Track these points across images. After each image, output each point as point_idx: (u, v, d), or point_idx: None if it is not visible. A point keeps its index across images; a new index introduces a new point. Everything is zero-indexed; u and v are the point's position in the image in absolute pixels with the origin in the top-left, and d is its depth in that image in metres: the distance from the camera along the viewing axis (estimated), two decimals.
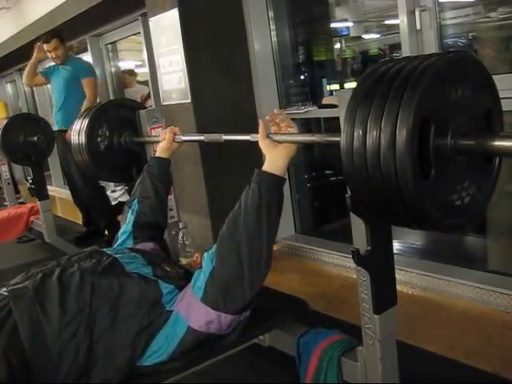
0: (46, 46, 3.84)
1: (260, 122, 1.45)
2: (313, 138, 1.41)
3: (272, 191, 1.33)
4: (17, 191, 5.17)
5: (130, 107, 2.30)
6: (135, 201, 1.84)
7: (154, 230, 1.84)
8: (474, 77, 1.04)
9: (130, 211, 1.83)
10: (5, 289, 1.38)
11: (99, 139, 2.19)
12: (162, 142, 1.92)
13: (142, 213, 1.81)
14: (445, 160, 0.98)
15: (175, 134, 1.91)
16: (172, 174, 1.96)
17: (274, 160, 1.38)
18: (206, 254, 1.40)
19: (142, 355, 1.35)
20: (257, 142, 1.44)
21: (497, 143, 0.95)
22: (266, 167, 1.37)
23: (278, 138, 1.40)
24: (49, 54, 3.85)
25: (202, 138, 1.81)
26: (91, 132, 2.15)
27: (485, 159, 1.10)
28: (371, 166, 0.95)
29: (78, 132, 2.19)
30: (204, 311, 1.35)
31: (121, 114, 2.27)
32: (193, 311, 1.36)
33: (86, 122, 2.16)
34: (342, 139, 1.00)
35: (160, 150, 1.92)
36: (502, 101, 1.11)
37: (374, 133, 0.93)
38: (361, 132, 0.96)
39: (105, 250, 1.62)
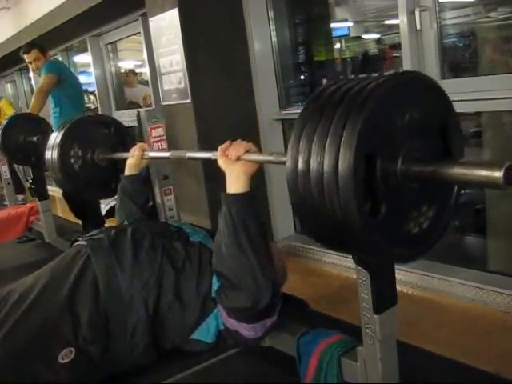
0: (26, 57, 3.83)
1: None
2: (270, 158, 1.38)
3: (242, 210, 1.34)
4: (20, 191, 5.15)
5: (104, 123, 2.32)
6: (125, 222, 1.91)
7: None
8: (424, 95, 0.99)
9: None
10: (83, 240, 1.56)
11: (72, 160, 2.19)
12: (130, 158, 1.95)
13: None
14: (397, 190, 0.93)
15: (144, 151, 1.94)
16: (146, 184, 2.03)
17: (234, 178, 1.38)
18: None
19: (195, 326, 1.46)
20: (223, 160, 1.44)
21: (456, 170, 0.89)
22: (229, 188, 1.38)
23: (234, 155, 1.40)
24: (29, 65, 3.85)
25: (167, 154, 1.89)
26: (63, 150, 2.15)
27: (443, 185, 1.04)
28: (316, 197, 0.90)
29: (51, 148, 2.19)
30: (224, 313, 1.44)
31: (94, 130, 2.28)
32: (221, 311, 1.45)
33: (58, 139, 2.16)
34: (288, 163, 0.95)
35: (129, 167, 1.98)
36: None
37: (318, 160, 0.88)
38: (305, 159, 0.90)
39: (170, 222, 1.82)
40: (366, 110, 0.86)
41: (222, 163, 1.41)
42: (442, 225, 1.06)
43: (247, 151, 1.38)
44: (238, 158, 1.37)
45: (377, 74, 0.99)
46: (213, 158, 1.48)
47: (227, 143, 1.43)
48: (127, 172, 1.97)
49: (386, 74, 1.05)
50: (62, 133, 2.19)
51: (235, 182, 1.37)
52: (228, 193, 1.37)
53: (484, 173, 0.84)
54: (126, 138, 2.32)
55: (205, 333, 1.46)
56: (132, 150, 1.99)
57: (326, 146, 0.87)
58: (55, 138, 2.20)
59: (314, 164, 0.89)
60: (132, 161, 1.95)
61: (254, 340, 1.44)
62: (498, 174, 0.81)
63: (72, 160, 2.19)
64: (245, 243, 1.31)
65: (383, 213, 0.90)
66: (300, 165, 0.91)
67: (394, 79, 0.94)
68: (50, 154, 2.18)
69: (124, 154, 2.11)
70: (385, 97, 0.90)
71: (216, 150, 1.45)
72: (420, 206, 0.99)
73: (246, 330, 1.42)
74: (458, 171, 0.89)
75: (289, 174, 0.94)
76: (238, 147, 1.39)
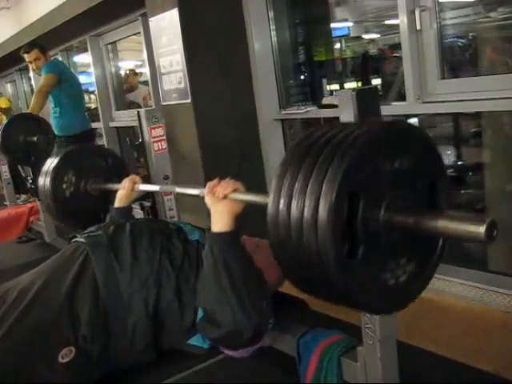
0: (26, 57, 3.83)
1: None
2: (256, 199, 1.35)
3: (224, 250, 1.34)
4: (24, 191, 5.14)
5: (102, 154, 2.35)
6: None
7: None
8: (414, 147, 0.97)
9: None
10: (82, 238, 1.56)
11: (64, 185, 2.20)
12: (121, 190, 1.96)
13: None
14: (377, 236, 0.91)
15: (135, 183, 1.96)
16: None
17: (218, 216, 1.38)
18: None
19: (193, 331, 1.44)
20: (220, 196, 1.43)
21: (438, 223, 0.88)
22: (213, 226, 1.39)
23: (221, 193, 1.40)
24: (29, 65, 3.85)
25: (157, 188, 1.93)
26: (57, 175, 2.17)
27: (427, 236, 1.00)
28: (295, 240, 0.88)
29: (45, 173, 2.20)
30: None
31: (91, 160, 2.31)
32: None
33: (54, 163, 2.18)
34: (269, 207, 0.93)
35: (119, 199, 1.98)
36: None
37: (299, 206, 0.86)
38: (286, 204, 0.89)
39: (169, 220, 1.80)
40: (353, 150, 0.85)
41: (208, 200, 1.42)
42: (421, 281, 1.04)
43: (235, 190, 1.39)
44: (225, 197, 1.38)
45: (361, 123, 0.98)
46: (201, 195, 1.48)
47: (215, 181, 1.44)
48: (117, 204, 1.98)
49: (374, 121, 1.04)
50: (58, 158, 2.21)
51: (219, 220, 1.37)
52: (211, 231, 1.39)
53: (466, 227, 0.85)
54: (123, 172, 2.32)
55: (201, 340, 1.46)
56: (123, 181, 2.00)
57: (309, 185, 0.86)
58: (51, 162, 2.22)
59: (295, 205, 0.88)
60: (122, 192, 1.97)
61: (240, 358, 1.45)
62: (481, 229, 0.82)
63: (64, 186, 2.20)
64: (225, 282, 1.30)
65: (360, 256, 0.89)
66: (281, 206, 0.90)
67: (378, 128, 0.94)
68: (44, 179, 2.20)
69: (115, 186, 2.11)
70: (373, 141, 0.89)
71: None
72: (399, 258, 0.97)
73: (230, 352, 1.43)
74: (441, 224, 0.88)
75: (269, 218, 0.93)
76: (226, 185, 1.40)
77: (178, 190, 1.74)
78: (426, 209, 1.00)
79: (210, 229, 1.40)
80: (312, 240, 0.85)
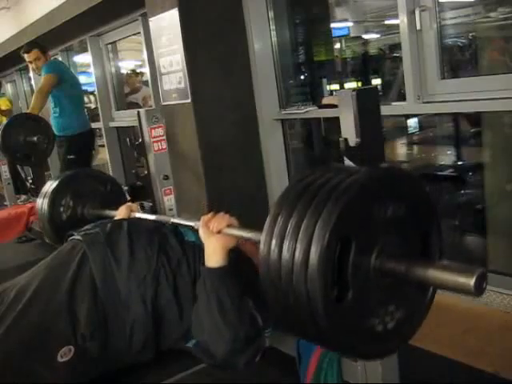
0: (26, 57, 3.83)
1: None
2: (249, 235, 1.35)
3: (216, 285, 1.34)
4: (23, 191, 5.14)
5: (101, 180, 2.38)
6: None
7: None
8: (409, 195, 0.98)
9: None
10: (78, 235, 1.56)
11: (62, 208, 2.22)
12: (117, 217, 1.96)
13: None
14: (367, 281, 0.92)
15: (132, 211, 1.96)
16: None
17: (211, 251, 1.39)
18: None
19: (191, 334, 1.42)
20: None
21: (429, 273, 0.89)
22: (206, 260, 1.40)
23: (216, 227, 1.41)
24: (29, 65, 3.85)
25: (153, 217, 1.92)
26: (55, 198, 2.19)
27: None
28: (285, 281, 0.89)
29: (44, 194, 2.23)
30: None
31: (90, 185, 2.33)
32: None
33: (54, 185, 2.20)
34: (261, 246, 0.94)
35: None
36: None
37: (290, 247, 0.87)
38: (278, 244, 0.90)
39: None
40: (347, 195, 0.86)
41: (201, 233, 1.43)
42: (408, 330, 1.04)
43: (229, 225, 1.40)
44: (219, 231, 1.39)
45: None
46: (195, 227, 1.50)
47: (210, 215, 1.45)
48: None
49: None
50: (58, 180, 2.24)
51: (212, 255, 1.38)
52: (205, 265, 1.39)
53: (456, 279, 0.85)
54: (121, 198, 2.35)
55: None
56: (120, 209, 2.00)
57: (302, 227, 0.87)
58: (51, 184, 2.24)
59: (286, 246, 0.88)
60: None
61: None
62: (471, 281, 0.82)
63: (61, 209, 2.22)
64: (217, 316, 1.31)
65: (349, 299, 0.89)
66: (273, 247, 0.91)
67: (373, 174, 0.94)
68: (42, 200, 2.22)
69: (112, 212, 2.11)
70: (368, 187, 0.90)
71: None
72: (388, 305, 0.98)
73: None
74: (431, 274, 0.89)
75: (261, 257, 0.94)
76: (220, 220, 1.41)
77: (174, 220, 1.74)
78: (417, 257, 1.00)
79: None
80: (301, 282, 0.85)
